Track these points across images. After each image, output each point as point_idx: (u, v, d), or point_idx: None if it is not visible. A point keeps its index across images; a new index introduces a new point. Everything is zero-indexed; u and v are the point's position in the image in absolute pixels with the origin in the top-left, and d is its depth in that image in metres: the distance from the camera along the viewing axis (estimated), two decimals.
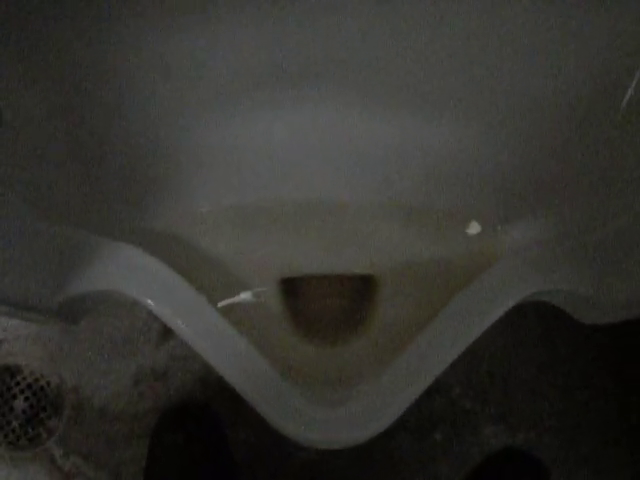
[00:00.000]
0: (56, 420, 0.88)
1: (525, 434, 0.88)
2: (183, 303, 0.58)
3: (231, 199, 0.65)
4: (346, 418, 0.58)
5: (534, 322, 0.89)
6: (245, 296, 0.66)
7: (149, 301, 0.57)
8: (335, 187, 0.64)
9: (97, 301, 0.61)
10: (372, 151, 0.62)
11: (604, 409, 0.87)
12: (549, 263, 0.58)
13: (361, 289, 0.67)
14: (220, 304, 0.66)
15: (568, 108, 0.59)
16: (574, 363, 0.88)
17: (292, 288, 0.67)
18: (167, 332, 0.89)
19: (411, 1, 0.49)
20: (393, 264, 0.66)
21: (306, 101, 0.58)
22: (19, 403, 0.89)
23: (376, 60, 0.54)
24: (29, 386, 0.89)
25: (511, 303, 0.59)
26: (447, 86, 0.55)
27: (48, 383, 0.89)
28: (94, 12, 0.49)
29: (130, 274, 0.58)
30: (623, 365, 0.87)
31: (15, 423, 0.88)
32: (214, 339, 0.58)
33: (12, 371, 0.89)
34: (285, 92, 0.57)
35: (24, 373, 0.89)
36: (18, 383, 0.89)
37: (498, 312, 0.58)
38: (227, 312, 0.66)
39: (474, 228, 0.66)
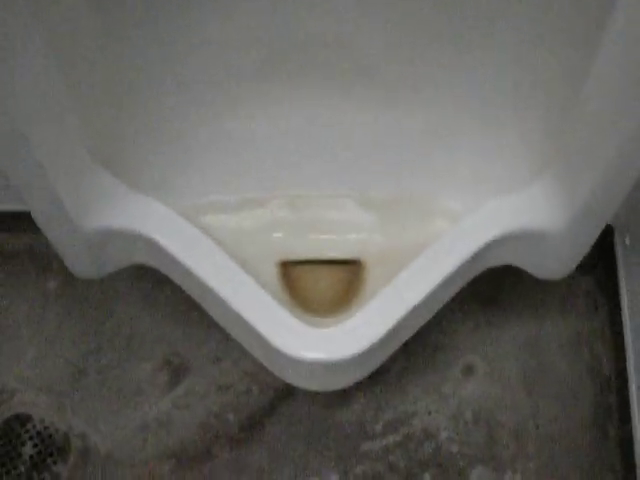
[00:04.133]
0: (62, 465, 0.93)
1: (511, 475, 0.92)
2: (190, 241, 0.70)
3: (233, 190, 0.79)
4: (339, 333, 0.67)
5: (516, 373, 0.98)
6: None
7: (163, 240, 0.69)
8: (322, 179, 0.79)
9: (120, 252, 0.73)
10: (356, 146, 0.78)
11: (589, 453, 0.93)
12: (515, 209, 0.72)
13: (351, 271, 0.80)
14: None
15: None
16: (557, 410, 0.96)
17: (290, 271, 0.79)
18: (171, 383, 0.97)
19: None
20: (378, 249, 0.79)
21: (294, 96, 0.75)
22: (27, 449, 0.94)
23: (368, 48, 0.71)
24: (38, 434, 0.95)
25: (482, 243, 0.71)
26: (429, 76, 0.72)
27: (57, 430, 0.95)
28: None
29: (149, 219, 0.71)
30: (606, 414, 0.95)
31: (22, 468, 0.92)
32: (217, 269, 0.69)
33: (22, 420, 0.95)
34: (274, 84, 0.74)
35: (34, 421, 0.95)
36: (28, 431, 0.95)
37: (471, 248, 0.70)
38: None
39: (451, 210, 0.79)
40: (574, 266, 0.73)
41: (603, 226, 0.67)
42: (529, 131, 0.72)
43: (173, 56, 0.69)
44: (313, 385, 0.71)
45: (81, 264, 0.71)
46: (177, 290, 0.96)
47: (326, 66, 0.72)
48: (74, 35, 0.62)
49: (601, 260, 1.01)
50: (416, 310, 0.68)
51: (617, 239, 0.96)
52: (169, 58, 0.69)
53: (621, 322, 0.95)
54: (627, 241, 0.93)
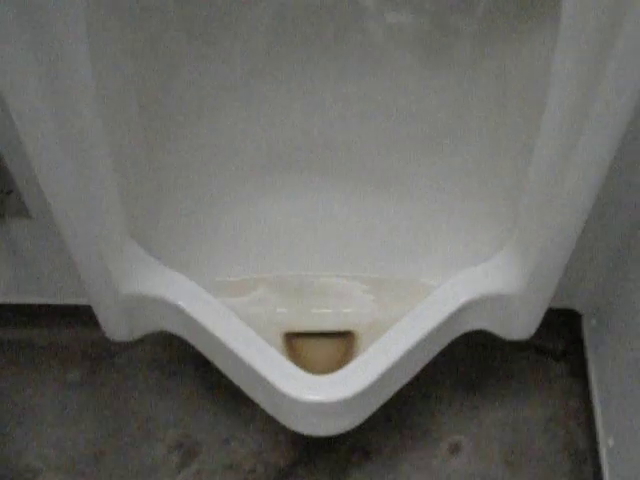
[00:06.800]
0: None
1: None
2: (209, 307, 0.84)
3: (241, 270, 0.93)
4: (336, 379, 0.80)
5: (499, 451, 1.09)
6: None
7: (185, 305, 0.84)
8: (322, 261, 0.95)
9: (151, 319, 0.87)
10: (349, 233, 0.94)
11: None
12: (480, 277, 0.86)
13: (346, 341, 0.93)
14: None
15: None
16: None
17: (292, 341, 0.93)
18: (183, 463, 1.08)
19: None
20: (369, 322, 0.93)
21: (299, 188, 0.92)
22: None
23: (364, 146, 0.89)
24: None
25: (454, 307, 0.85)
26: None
27: None
28: None
29: (175, 288, 0.85)
30: None
31: None
32: (232, 330, 0.83)
33: None
34: (280, 178, 0.91)
35: None
36: None
37: (443, 313, 0.85)
38: None
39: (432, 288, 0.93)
40: (535, 326, 0.86)
41: (554, 290, 0.81)
42: (494, 217, 0.88)
43: (199, 159, 0.87)
44: (308, 427, 0.82)
45: (116, 326, 0.84)
46: (189, 378, 1.09)
47: (326, 164, 0.90)
48: (126, 141, 0.79)
49: (573, 347, 1.14)
50: (397, 365, 0.81)
51: (584, 323, 1.09)
52: (198, 162, 0.87)
53: (591, 401, 1.06)
54: (593, 323, 1.06)
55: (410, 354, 0.81)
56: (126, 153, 0.77)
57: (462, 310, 0.83)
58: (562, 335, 1.14)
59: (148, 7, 0.71)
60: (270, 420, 1.03)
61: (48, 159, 0.65)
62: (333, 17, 0.75)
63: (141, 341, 1.12)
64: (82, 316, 1.10)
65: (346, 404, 0.77)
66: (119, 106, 0.74)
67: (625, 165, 0.86)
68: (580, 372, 1.10)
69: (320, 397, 0.77)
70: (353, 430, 1.00)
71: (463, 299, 0.83)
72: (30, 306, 1.13)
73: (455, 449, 1.06)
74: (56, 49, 0.59)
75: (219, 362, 0.84)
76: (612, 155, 0.64)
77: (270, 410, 0.82)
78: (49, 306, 1.11)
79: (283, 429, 1.05)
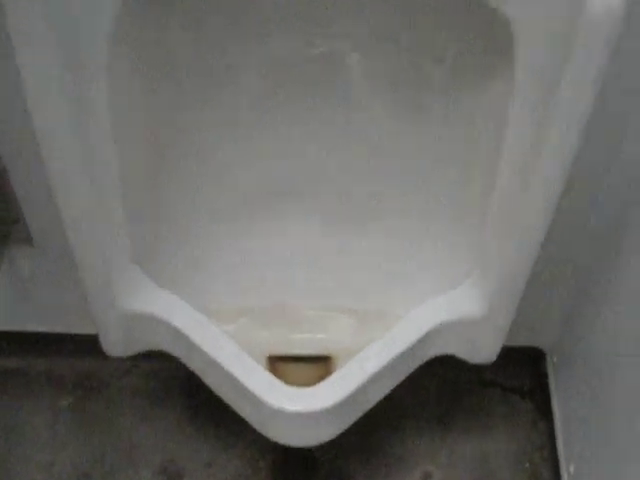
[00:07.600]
0: None
1: None
2: (201, 326, 0.92)
3: (229, 299, 1.01)
4: (317, 391, 0.88)
5: None
6: None
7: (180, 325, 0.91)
8: (305, 292, 1.04)
9: (145, 337, 0.95)
10: (334, 263, 1.03)
11: None
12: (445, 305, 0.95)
13: (324, 365, 1.01)
14: None
15: None
16: None
17: (275, 363, 1.01)
18: None
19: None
20: (346, 348, 1.02)
21: (281, 222, 1.02)
22: None
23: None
24: None
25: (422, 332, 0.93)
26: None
27: None
28: None
29: (169, 308, 0.93)
30: None
31: None
32: (220, 347, 0.91)
33: None
34: (266, 216, 1.00)
35: None
36: None
37: (416, 336, 0.93)
38: None
39: None
40: (497, 351, 0.94)
41: (513, 315, 0.90)
42: (464, 251, 0.97)
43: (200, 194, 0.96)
44: (292, 438, 0.89)
45: (114, 342, 0.92)
46: (173, 407, 1.16)
47: (309, 202, 0.99)
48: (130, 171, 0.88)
49: (538, 383, 1.22)
50: (372, 380, 0.88)
51: (548, 360, 1.17)
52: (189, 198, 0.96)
53: (555, 434, 1.14)
54: (555, 360, 1.15)
55: (384, 371, 0.88)
56: (128, 185, 0.86)
57: (430, 334, 0.91)
58: (527, 373, 1.22)
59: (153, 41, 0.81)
60: (250, 446, 1.11)
61: (69, 184, 0.74)
62: (320, 68, 0.87)
63: (130, 372, 1.19)
64: (77, 345, 1.16)
65: (326, 414, 0.84)
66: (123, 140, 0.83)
67: (580, 208, 0.96)
68: (544, 408, 1.18)
69: (302, 407, 0.84)
70: (330, 457, 1.08)
71: (430, 325, 0.91)
72: (27, 334, 1.19)
73: (427, 477, 1.12)
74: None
75: (208, 378, 0.91)
76: (560, 192, 0.74)
77: (255, 423, 0.89)
78: (46, 334, 1.17)
79: (263, 455, 1.12)
